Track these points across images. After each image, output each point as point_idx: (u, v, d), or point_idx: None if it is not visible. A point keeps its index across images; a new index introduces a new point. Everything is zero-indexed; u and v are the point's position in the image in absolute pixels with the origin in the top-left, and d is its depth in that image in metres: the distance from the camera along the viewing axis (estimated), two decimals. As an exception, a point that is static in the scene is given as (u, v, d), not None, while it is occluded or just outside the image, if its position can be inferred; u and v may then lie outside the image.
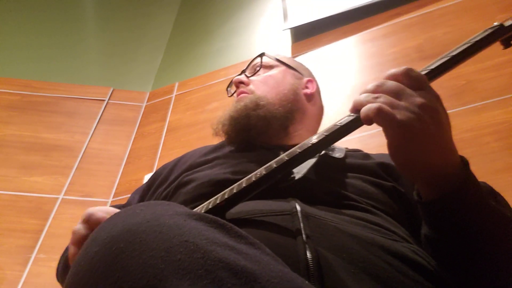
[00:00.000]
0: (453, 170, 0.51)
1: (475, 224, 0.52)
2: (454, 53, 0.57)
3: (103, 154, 1.86)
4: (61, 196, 1.68)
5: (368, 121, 0.49)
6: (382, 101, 0.49)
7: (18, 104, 1.98)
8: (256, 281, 0.31)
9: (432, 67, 0.55)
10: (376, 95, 0.50)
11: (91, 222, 0.56)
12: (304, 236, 0.49)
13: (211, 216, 0.37)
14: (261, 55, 0.98)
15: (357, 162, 0.76)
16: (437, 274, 0.50)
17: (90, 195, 1.70)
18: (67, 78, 2.17)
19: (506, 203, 0.64)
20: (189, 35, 2.41)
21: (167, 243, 0.32)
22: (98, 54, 2.45)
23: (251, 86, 0.91)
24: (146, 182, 0.92)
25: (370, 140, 1.29)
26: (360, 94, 0.53)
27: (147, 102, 2.11)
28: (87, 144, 1.88)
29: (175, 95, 2.04)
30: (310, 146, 0.53)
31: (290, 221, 0.52)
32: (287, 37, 1.91)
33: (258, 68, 0.95)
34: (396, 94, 0.49)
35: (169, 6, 2.70)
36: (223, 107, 1.75)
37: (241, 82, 0.93)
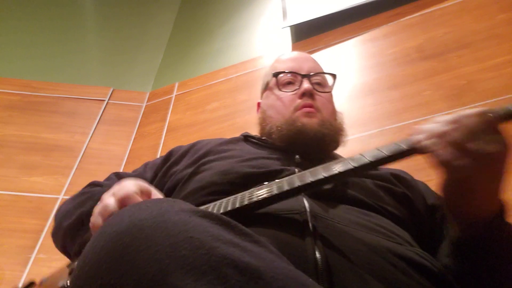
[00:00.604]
0: (493, 214, 0.53)
1: (500, 266, 0.53)
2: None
3: (103, 154, 1.86)
4: (61, 196, 1.68)
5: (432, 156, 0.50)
6: (454, 138, 0.48)
7: (18, 104, 1.98)
8: (261, 278, 0.31)
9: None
10: (448, 127, 0.49)
11: (124, 204, 0.54)
12: (313, 236, 0.49)
13: (215, 213, 0.38)
14: (334, 76, 0.96)
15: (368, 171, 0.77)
16: (443, 277, 0.51)
17: (90, 195, 1.70)
18: (67, 78, 2.17)
19: None
20: (189, 35, 2.42)
21: (172, 239, 0.32)
22: (98, 54, 2.45)
23: (317, 104, 0.87)
24: (161, 158, 0.92)
25: (370, 140, 1.29)
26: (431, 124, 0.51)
27: (147, 102, 2.11)
28: (87, 144, 1.88)
29: (175, 95, 2.04)
30: (351, 169, 0.53)
31: (299, 220, 0.53)
32: (287, 37, 1.91)
33: (327, 91, 0.92)
34: (469, 135, 0.48)
35: (169, 6, 2.70)
36: (223, 107, 1.78)
37: (312, 95, 0.87)
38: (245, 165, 0.72)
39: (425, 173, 0.87)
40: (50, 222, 1.59)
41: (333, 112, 0.91)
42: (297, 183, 0.53)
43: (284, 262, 0.35)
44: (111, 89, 2.13)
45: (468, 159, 0.47)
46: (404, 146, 0.52)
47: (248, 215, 0.55)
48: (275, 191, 0.53)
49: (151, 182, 0.87)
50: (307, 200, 0.58)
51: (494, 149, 0.47)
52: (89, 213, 0.69)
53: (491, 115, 0.49)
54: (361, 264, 0.46)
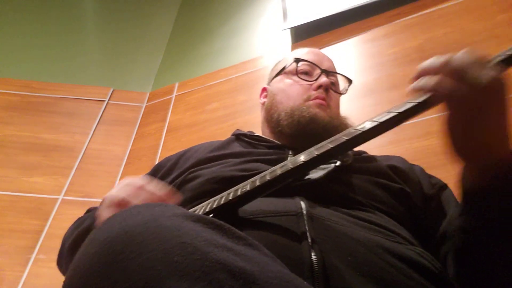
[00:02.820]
0: (505, 156, 0.51)
1: None
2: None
3: (103, 154, 1.86)
4: (61, 197, 1.68)
5: (439, 98, 0.49)
6: (455, 65, 0.48)
7: (18, 105, 1.98)
8: (255, 282, 0.30)
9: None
10: (447, 57, 0.49)
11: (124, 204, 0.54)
12: (309, 238, 0.48)
13: (209, 217, 0.37)
14: (350, 81, 0.98)
15: (365, 164, 0.76)
16: (442, 277, 0.50)
17: (90, 196, 1.70)
18: (67, 79, 2.17)
19: None
20: (189, 36, 2.41)
21: (164, 244, 0.32)
22: (98, 55, 2.45)
23: (329, 100, 0.88)
24: (148, 173, 0.91)
25: (370, 141, 1.28)
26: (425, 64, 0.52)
27: (147, 102, 2.11)
28: (87, 144, 1.88)
29: (175, 95, 2.03)
30: (328, 150, 0.52)
31: (295, 222, 0.52)
32: (287, 37, 1.91)
33: (341, 93, 0.95)
34: (467, 64, 0.49)
35: (169, 7, 2.70)
36: (223, 107, 1.77)
37: (327, 90, 0.88)
38: (235, 169, 0.71)
39: (444, 169, 0.84)
40: (50, 223, 1.59)
41: (339, 111, 0.93)
42: (279, 172, 0.53)
43: (278, 265, 0.35)
44: (111, 90, 2.13)
45: (466, 88, 0.47)
46: (361, 130, 0.52)
47: (244, 219, 0.54)
48: (258, 183, 0.53)
49: None
50: (303, 201, 0.57)
51: (489, 77, 0.48)
52: (88, 229, 0.69)
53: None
54: (359, 265, 0.46)
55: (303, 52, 0.97)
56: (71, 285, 0.33)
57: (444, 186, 0.76)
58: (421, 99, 0.50)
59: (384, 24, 1.62)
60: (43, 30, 2.47)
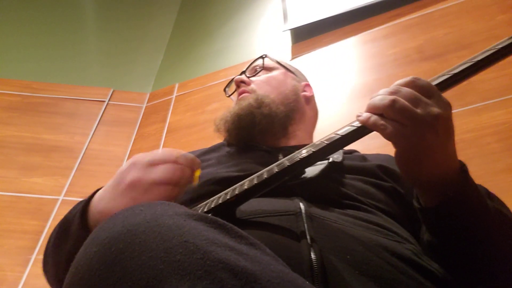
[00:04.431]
0: (454, 175, 0.52)
1: (476, 226, 0.52)
2: (476, 59, 0.55)
3: (103, 155, 1.86)
4: (61, 197, 1.68)
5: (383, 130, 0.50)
6: (399, 106, 0.48)
7: (18, 105, 1.98)
8: (257, 282, 0.30)
9: (455, 71, 0.54)
10: (392, 97, 0.49)
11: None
12: (308, 237, 0.48)
13: (211, 216, 0.37)
14: (263, 56, 0.99)
15: (356, 164, 0.76)
16: (440, 276, 0.50)
17: (90, 196, 1.69)
18: (67, 79, 2.17)
19: (502, 203, 0.64)
20: (189, 36, 2.42)
21: (166, 243, 0.32)
22: (98, 55, 2.45)
23: (252, 86, 0.92)
24: None
25: (370, 141, 1.28)
26: (373, 98, 0.52)
27: (147, 103, 2.11)
28: (87, 145, 1.88)
29: (175, 96, 2.04)
30: (324, 146, 0.53)
31: (294, 221, 0.52)
32: (287, 38, 1.91)
33: (259, 69, 0.97)
34: (412, 101, 0.49)
35: (169, 7, 2.70)
36: (223, 107, 1.75)
37: (242, 82, 0.94)
38: (232, 170, 0.72)
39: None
40: (50, 223, 1.59)
41: (278, 86, 0.93)
42: (276, 169, 0.53)
43: (280, 264, 0.35)
44: (111, 90, 2.13)
45: (409, 130, 0.48)
46: (356, 126, 0.53)
47: (243, 219, 0.54)
48: (255, 181, 0.53)
49: None
50: (302, 201, 0.58)
51: (437, 111, 0.48)
52: (70, 220, 0.64)
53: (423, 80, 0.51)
54: (358, 264, 0.46)
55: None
56: (72, 285, 0.33)
57: None
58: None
59: (384, 24, 1.62)
60: (43, 31, 2.47)
